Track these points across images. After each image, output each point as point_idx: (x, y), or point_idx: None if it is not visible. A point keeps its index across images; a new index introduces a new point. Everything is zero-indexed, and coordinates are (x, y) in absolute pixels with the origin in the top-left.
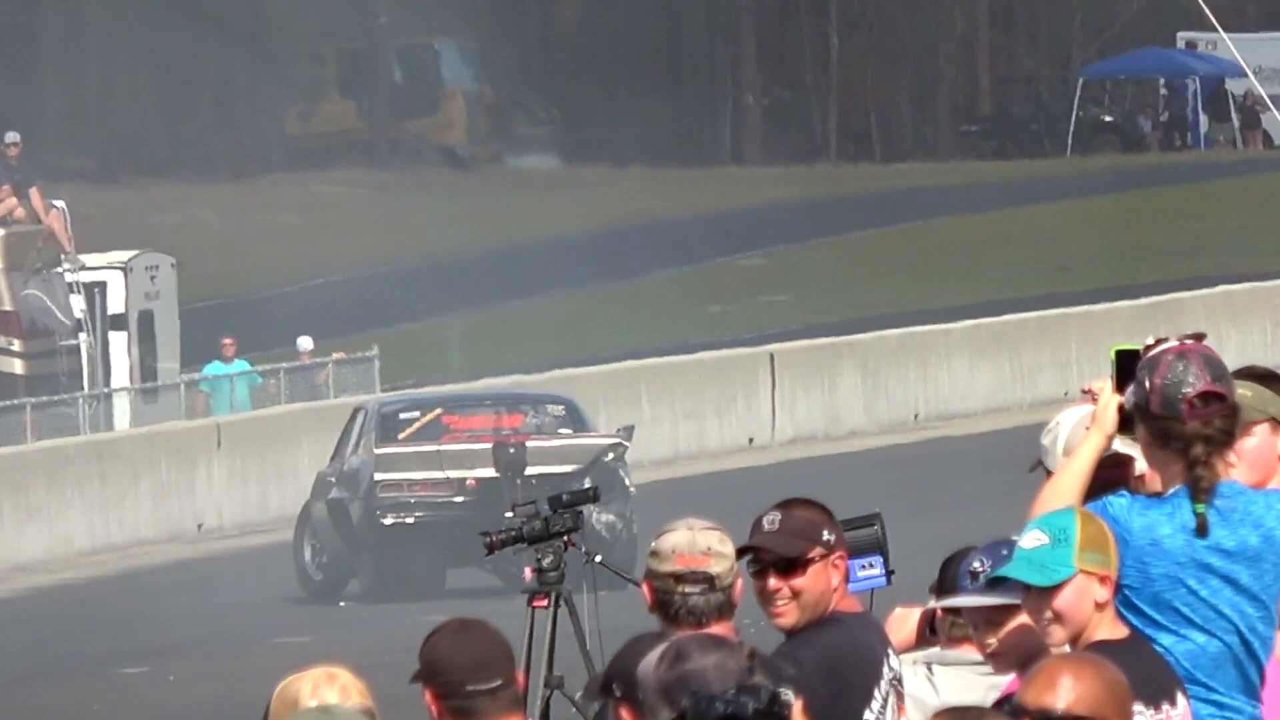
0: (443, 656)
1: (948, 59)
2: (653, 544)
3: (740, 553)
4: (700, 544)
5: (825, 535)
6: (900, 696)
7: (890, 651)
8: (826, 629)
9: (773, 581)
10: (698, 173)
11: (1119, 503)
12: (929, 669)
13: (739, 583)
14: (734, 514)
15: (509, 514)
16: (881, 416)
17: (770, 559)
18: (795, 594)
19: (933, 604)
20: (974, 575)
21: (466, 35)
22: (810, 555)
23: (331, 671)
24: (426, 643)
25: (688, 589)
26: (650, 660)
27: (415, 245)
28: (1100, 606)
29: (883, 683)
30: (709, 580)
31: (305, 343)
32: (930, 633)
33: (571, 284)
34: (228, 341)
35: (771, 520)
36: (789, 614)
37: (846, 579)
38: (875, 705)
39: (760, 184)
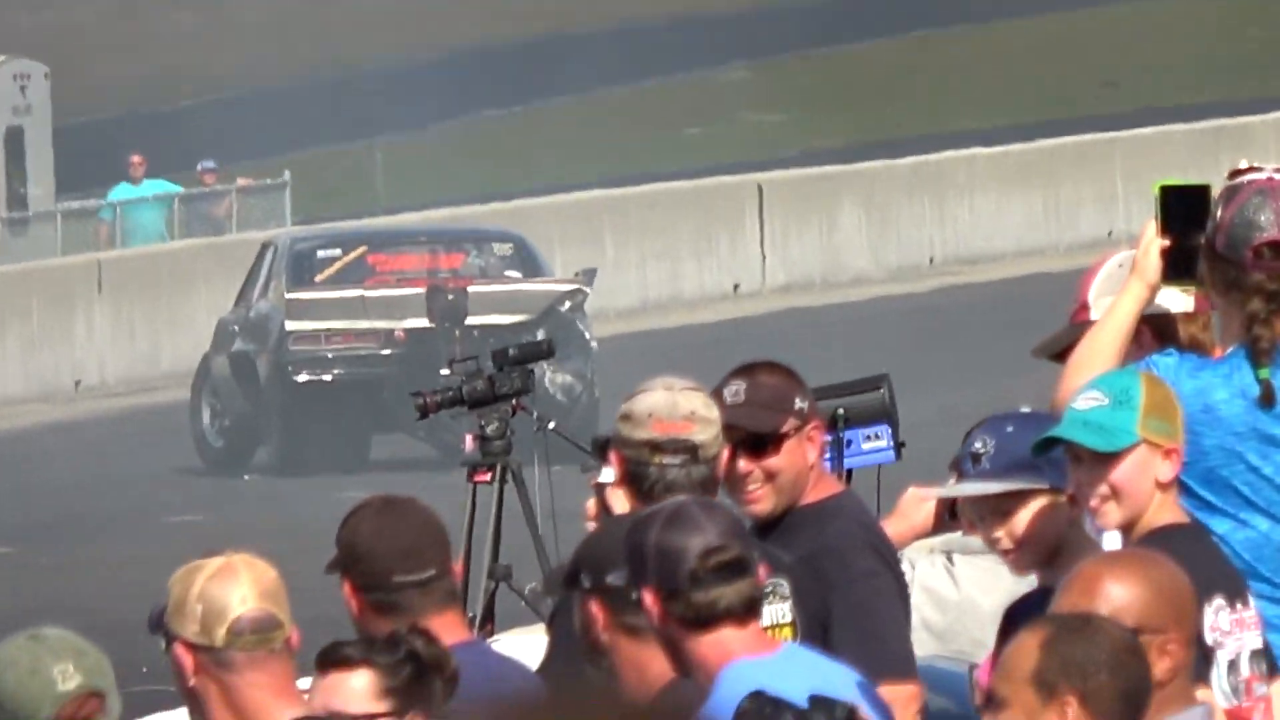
0: (364, 541)
1: None
2: (624, 406)
3: None
4: (682, 407)
5: (798, 403)
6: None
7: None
8: (809, 525)
9: (743, 463)
10: None
11: (1165, 362)
12: (948, 559)
13: (724, 454)
14: (716, 375)
15: (446, 371)
16: (890, 260)
17: (738, 436)
18: (769, 475)
19: (950, 486)
20: (975, 459)
21: None
22: (784, 429)
23: (233, 560)
24: (345, 525)
25: (666, 460)
26: (643, 518)
27: (332, 51)
28: (1163, 486)
29: None
30: (691, 450)
31: (205, 166)
32: (950, 516)
33: (517, 97)
34: (136, 160)
35: (735, 391)
36: (764, 499)
37: (822, 453)
38: None
39: None
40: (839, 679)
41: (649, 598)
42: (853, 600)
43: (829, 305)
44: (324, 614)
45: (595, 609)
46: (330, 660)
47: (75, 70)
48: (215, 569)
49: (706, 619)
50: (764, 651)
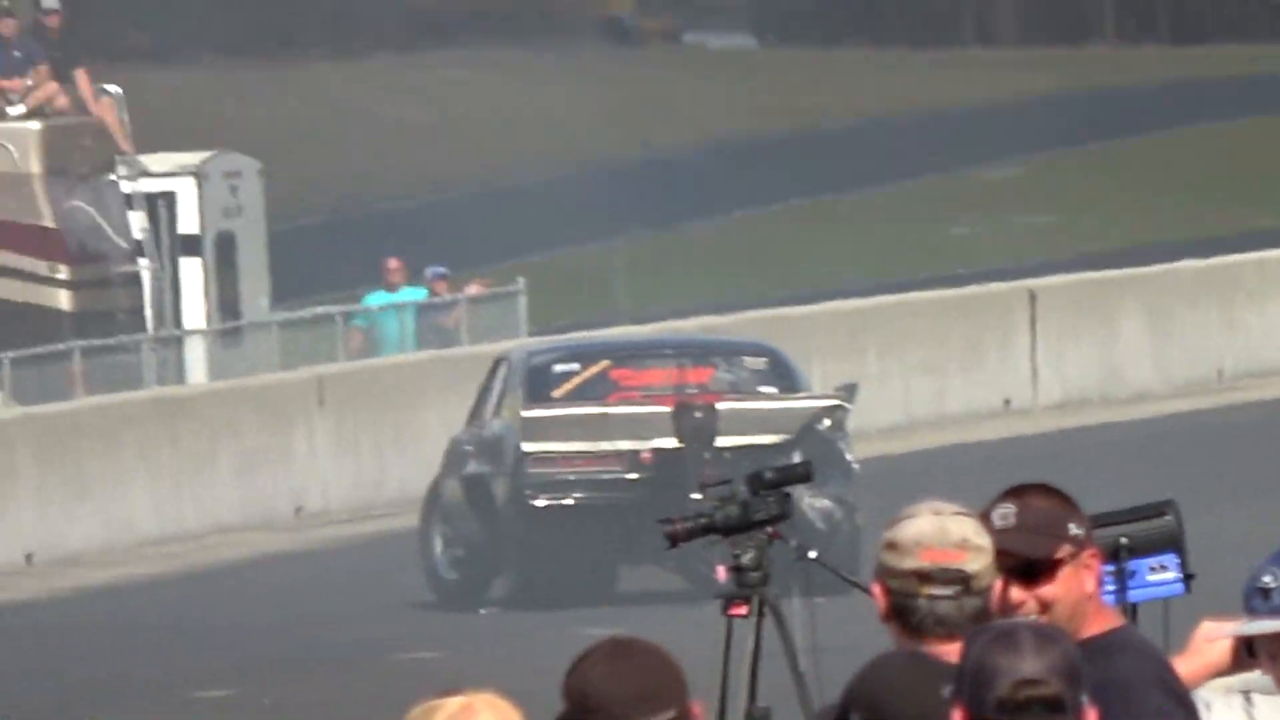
0: (595, 688)
1: None
2: (888, 534)
3: None
4: (952, 534)
5: (1073, 529)
6: None
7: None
8: (1092, 660)
9: (1015, 592)
10: (932, 55)
11: None
12: (1247, 699)
13: (998, 585)
14: (985, 499)
15: (696, 496)
16: (1175, 373)
17: (1009, 563)
18: (1044, 606)
19: (1247, 623)
20: (1264, 593)
21: None
22: (1059, 555)
23: (474, 702)
24: (573, 672)
25: (936, 591)
26: (977, 630)
27: (570, 147)
28: None
29: None
30: (964, 580)
31: (434, 273)
32: (1249, 654)
33: (773, 198)
34: (393, 264)
35: (1004, 515)
36: None
37: (1101, 583)
38: None
39: (1015, 71)
40: None
41: (957, 715)
42: None
43: (1108, 424)
44: None
45: None
46: None
47: (288, 167)
48: (455, 709)
49: None
50: None
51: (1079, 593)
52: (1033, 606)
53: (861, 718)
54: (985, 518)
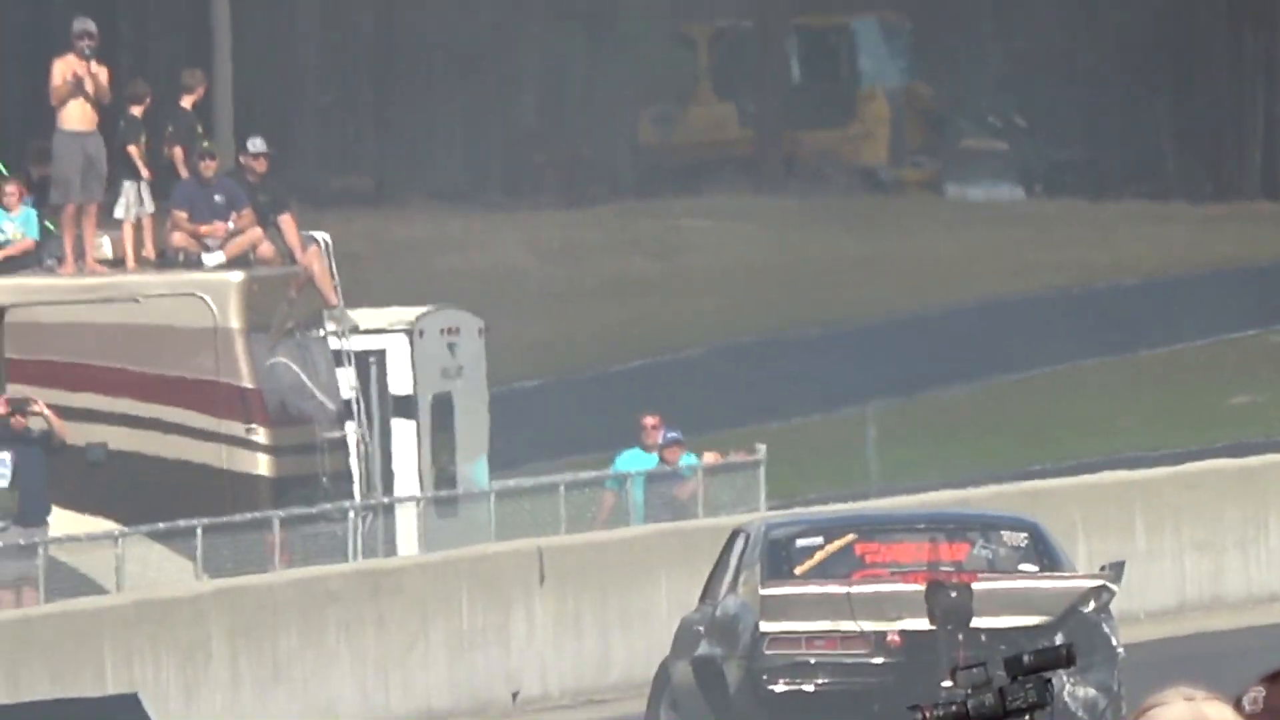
0: None
1: None
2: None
3: None
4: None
5: None
6: None
7: None
8: None
9: None
10: (1214, 210)
11: None
12: None
13: None
14: None
15: (948, 683)
16: None
17: None
18: None
19: None
20: None
21: (894, 10)
22: None
23: None
24: None
25: None
26: None
27: (818, 303)
28: None
29: None
30: None
31: (668, 438)
32: None
33: (1038, 360)
34: (651, 422)
35: (1254, 699)
36: None
37: None
38: None
39: None
40: None
41: None
42: None
43: None
44: None
45: None
46: None
47: (509, 324)
48: None
49: None
50: None
51: None
52: None
53: None
54: (1237, 703)
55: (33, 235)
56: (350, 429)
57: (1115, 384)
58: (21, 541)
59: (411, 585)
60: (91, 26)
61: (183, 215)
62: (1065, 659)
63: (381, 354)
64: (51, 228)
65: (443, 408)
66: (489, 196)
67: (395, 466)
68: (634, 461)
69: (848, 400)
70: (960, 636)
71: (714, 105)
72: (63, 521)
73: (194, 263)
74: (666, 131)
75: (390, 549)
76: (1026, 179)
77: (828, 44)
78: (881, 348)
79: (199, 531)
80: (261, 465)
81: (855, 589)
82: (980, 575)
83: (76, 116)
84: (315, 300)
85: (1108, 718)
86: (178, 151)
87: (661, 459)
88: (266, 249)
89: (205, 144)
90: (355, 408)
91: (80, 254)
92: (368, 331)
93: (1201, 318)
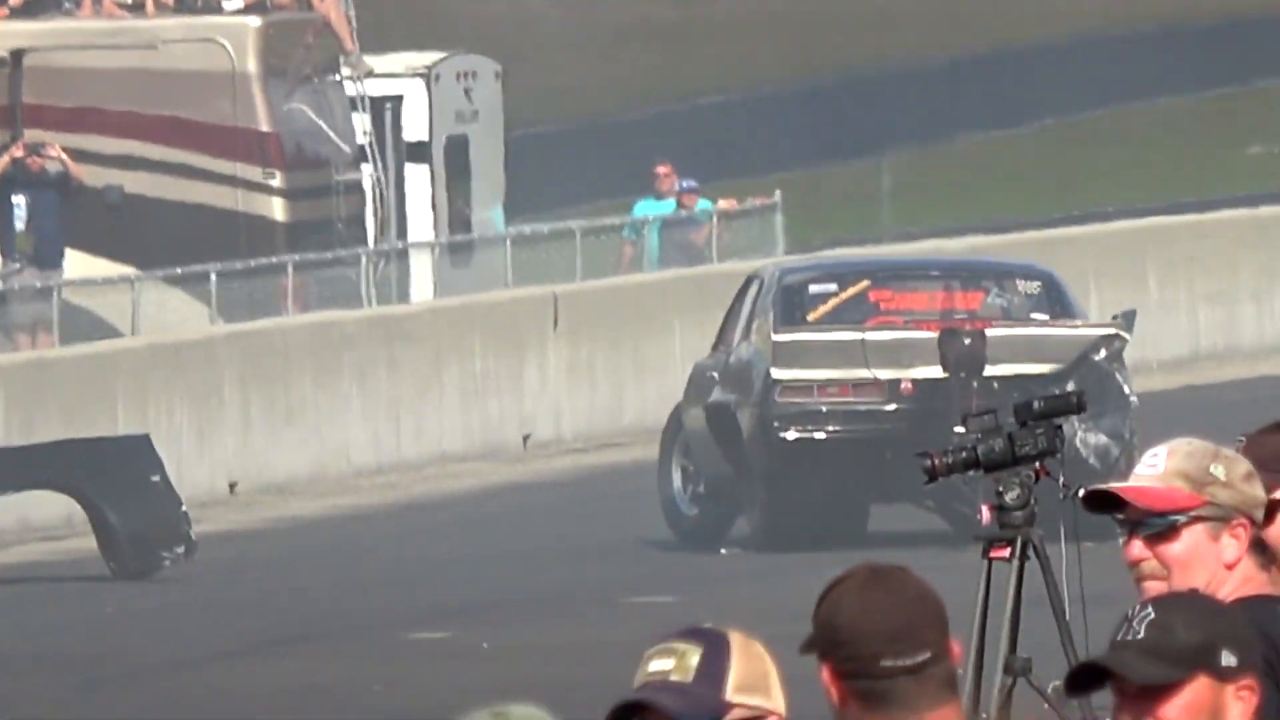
0: (848, 619)
1: None
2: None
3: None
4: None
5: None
6: None
7: None
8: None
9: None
10: None
11: None
12: None
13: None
14: None
15: (959, 429)
16: None
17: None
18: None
19: None
20: None
21: None
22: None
23: (732, 635)
24: (825, 599)
25: None
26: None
27: (829, 51)
28: None
29: None
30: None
31: (684, 185)
32: None
33: (1055, 109)
34: (663, 170)
35: (1234, 450)
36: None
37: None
38: None
39: None
40: None
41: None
42: None
43: None
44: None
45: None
46: None
47: (527, 70)
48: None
49: None
50: None
51: (1216, 562)
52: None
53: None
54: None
55: None
56: (366, 173)
57: (1132, 133)
58: (37, 284)
59: (425, 330)
60: None
61: None
62: (1076, 406)
63: (398, 99)
64: None
65: (458, 153)
66: None
67: (410, 212)
68: (648, 208)
69: (864, 149)
70: (973, 383)
71: None
72: (78, 264)
73: (212, 8)
74: None
75: (404, 294)
76: None
77: None
78: (899, 97)
79: (213, 275)
80: (277, 209)
81: (869, 335)
82: (993, 322)
83: None
84: (332, 45)
85: (1119, 465)
86: None
87: (678, 205)
88: None
89: None
90: (370, 152)
91: None
92: (384, 76)
93: (1219, 67)
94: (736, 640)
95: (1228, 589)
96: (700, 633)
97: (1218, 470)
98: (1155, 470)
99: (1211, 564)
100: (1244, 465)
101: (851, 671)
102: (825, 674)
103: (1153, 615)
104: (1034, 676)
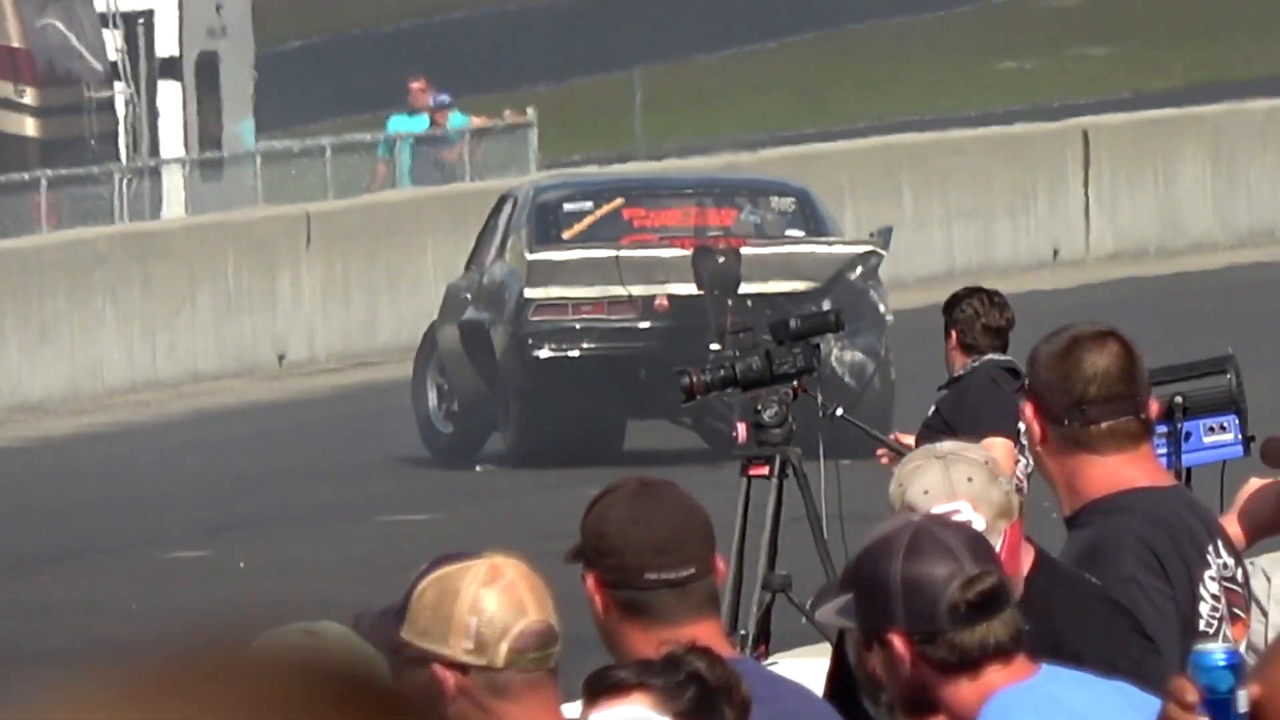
0: (615, 530)
1: None
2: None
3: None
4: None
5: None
6: (1239, 604)
7: (1219, 539)
8: (1089, 520)
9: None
10: None
11: None
12: None
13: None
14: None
15: (715, 346)
16: (1239, 223)
17: None
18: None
19: None
20: None
21: None
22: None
23: (501, 564)
24: (593, 509)
25: None
26: (875, 547)
27: None
28: None
29: (1206, 578)
30: None
31: (437, 101)
32: None
33: (809, 24)
34: (417, 85)
35: None
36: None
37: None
38: (1203, 609)
39: None
40: (1107, 695)
41: (898, 641)
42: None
43: (1164, 275)
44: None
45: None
46: (601, 686)
47: None
48: (484, 574)
49: (973, 660)
50: (1023, 677)
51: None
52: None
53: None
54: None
55: None
56: (118, 90)
57: (885, 48)
58: None
59: (178, 248)
60: None
61: None
62: (834, 324)
63: (149, 14)
64: None
65: (209, 70)
66: None
67: (161, 128)
68: (402, 124)
69: (616, 64)
70: (728, 301)
71: None
72: None
73: None
74: None
75: (157, 211)
76: None
77: None
78: (650, 9)
79: None
80: (29, 127)
81: (623, 253)
82: (748, 240)
83: None
84: None
85: (875, 383)
86: None
87: (431, 122)
88: None
89: None
90: (122, 69)
91: None
92: None
93: None
94: (509, 563)
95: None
96: (436, 562)
97: (1005, 484)
98: (979, 526)
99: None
100: (999, 467)
101: (616, 581)
102: (590, 583)
103: None
104: (793, 593)
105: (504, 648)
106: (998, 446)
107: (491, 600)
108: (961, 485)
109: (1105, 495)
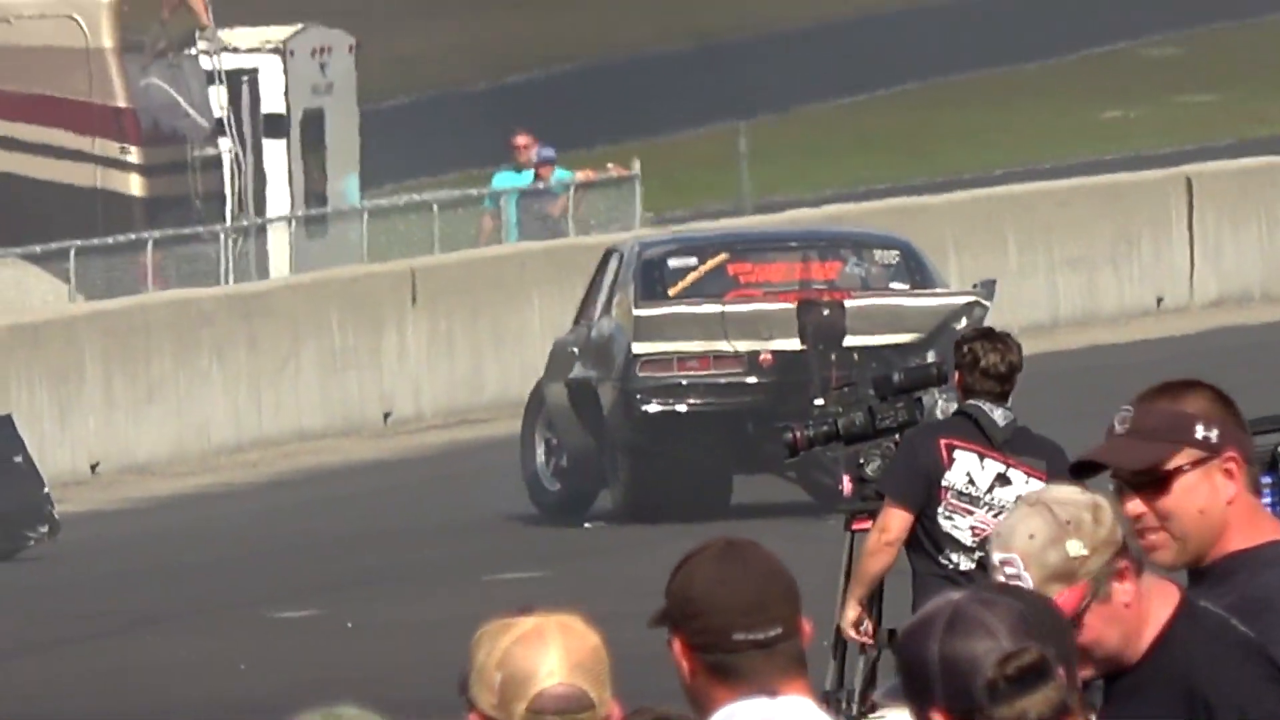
0: (701, 592)
1: None
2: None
3: (1079, 469)
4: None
5: (1201, 432)
6: None
7: None
8: (1240, 572)
9: (1132, 504)
10: None
11: None
12: None
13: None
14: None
15: (820, 401)
16: None
17: (1122, 474)
18: (1162, 518)
19: None
20: None
21: None
22: (1171, 464)
23: (546, 624)
24: (679, 571)
25: None
26: (915, 627)
27: (688, 18)
28: None
29: None
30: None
31: (541, 155)
32: None
33: (911, 74)
34: (523, 140)
35: (1122, 418)
36: (1164, 548)
37: (1257, 492)
38: None
39: None
40: None
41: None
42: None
43: (1269, 322)
44: (656, 690)
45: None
46: None
47: (380, 41)
48: (523, 631)
49: None
50: None
51: (1208, 502)
52: (1151, 520)
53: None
54: (1110, 425)
55: None
56: (223, 148)
57: (989, 99)
58: None
59: (283, 306)
60: None
61: None
62: (936, 377)
63: (254, 73)
64: None
65: (313, 126)
66: None
67: (268, 187)
68: (507, 180)
69: (721, 116)
70: (832, 355)
71: None
72: None
73: None
74: None
75: (263, 270)
76: None
77: None
78: (755, 63)
79: (72, 253)
80: (135, 185)
81: (728, 308)
82: (852, 293)
83: None
84: (188, 20)
85: None
86: None
87: (535, 176)
88: None
89: None
90: (227, 127)
91: None
92: (239, 51)
93: (1071, 32)
94: (558, 623)
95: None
96: (531, 612)
97: (1075, 548)
98: (1027, 583)
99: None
100: (1093, 525)
101: (703, 644)
102: (677, 647)
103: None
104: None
105: (520, 708)
106: None
107: (518, 658)
108: (1020, 540)
109: (1254, 546)
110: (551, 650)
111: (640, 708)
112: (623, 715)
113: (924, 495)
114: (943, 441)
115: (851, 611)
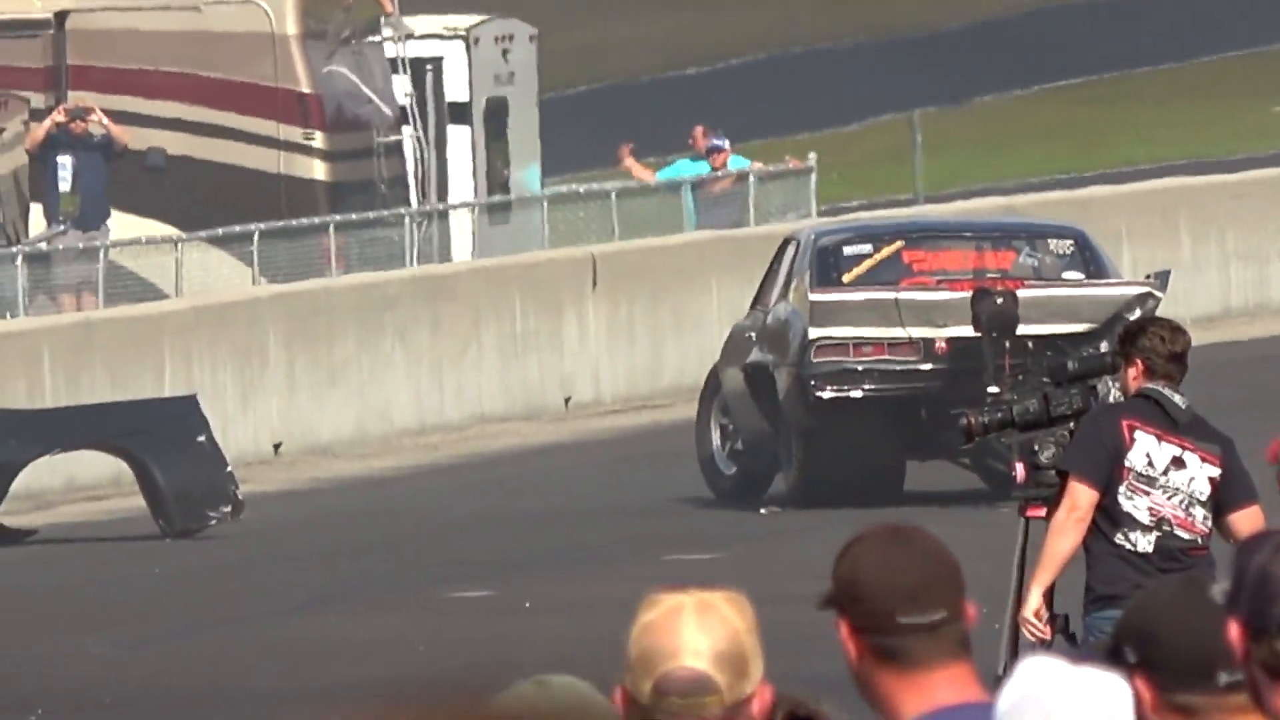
0: (868, 576)
1: None
2: None
3: None
4: None
5: None
6: None
7: None
8: None
9: None
10: None
11: None
12: None
13: None
14: None
15: (994, 389)
16: None
17: None
18: None
19: None
20: None
21: None
22: None
23: (689, 601)
24: (844, 556)
25: None
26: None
27: (867, 12)
28: None
29: None
30: None
31: (715, 144)
32: None
33: (1087, 68)
34: (700, 131)
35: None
36: None
37: None
38: None
39: None
40: None
41: (1234, 629)
42: None
43: None
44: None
45: (1141, 687)
46: None
47: (559, 32)
48: (662, 611)
49: None
50: None
51: None
52: None
53: (1134, 650)
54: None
55: None
56: (406, 134)
57: (1163, 92)
58: (81, 245)
59: (465, 290)
60: None
61: None
62: (1110, 366)
63: (438, 61)
64: None
65: (496, 115)
66: None
67: (450, 172)
68: (685, 168)
69: (896, 108)
70: (1006, 343)
71: None
72: (122, 226)
73: None
74: None
75: (445, 254)
76: None
77: None
78: (930, 55)
79: (256, 236)
80: (318, 170)
81: (903, 295)
82: (1026, 282)
83: None
84: (372, 7)
85: None
86: None
87: (711, 166)
88: None
89: None
90: (411, 114)
91: None
92: (423, 38)
93: (1242, 27)
94: (724, 597)
95: None
96: (697, 588)
97: None
98: None
99: None
100: None
101: (869, 627)
102: (843, 630)
103: None
104: (1073, 632)
105: (647, 686)
106: None
107: (652, 636)
108: None
109: None
110: (684, 632)
111: (779, 696)
112: (773, 699)
113: (1109, 473)
114: (1125, 422)
115: (1035, 599)
